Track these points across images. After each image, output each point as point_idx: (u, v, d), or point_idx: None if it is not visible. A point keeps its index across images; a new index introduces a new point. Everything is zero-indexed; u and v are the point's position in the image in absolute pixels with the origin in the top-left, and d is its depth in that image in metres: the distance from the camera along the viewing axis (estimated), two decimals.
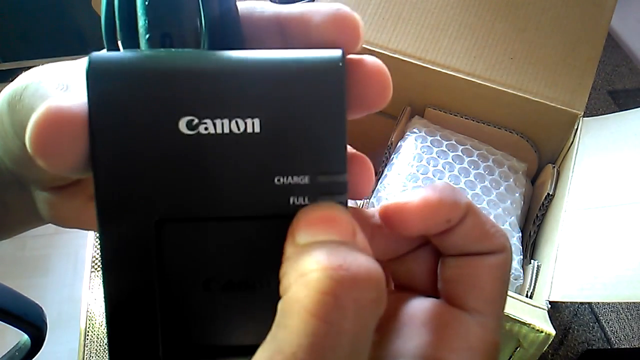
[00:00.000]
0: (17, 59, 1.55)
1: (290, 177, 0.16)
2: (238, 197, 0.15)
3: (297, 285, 0.13)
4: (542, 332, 0.36)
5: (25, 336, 0.51)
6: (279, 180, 0.16)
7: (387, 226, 0.18)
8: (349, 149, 0.17)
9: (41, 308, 0.50)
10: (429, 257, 0.19)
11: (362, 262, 0.14)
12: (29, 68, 0.19)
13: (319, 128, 0.16)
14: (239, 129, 0.15)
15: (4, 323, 0.48)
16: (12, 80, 0.19)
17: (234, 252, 0.16)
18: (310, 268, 0.13)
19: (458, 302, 0.18)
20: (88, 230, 0.21)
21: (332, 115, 0.16)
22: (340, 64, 0.16)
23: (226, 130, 0.15)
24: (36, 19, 1.48)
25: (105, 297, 0.15)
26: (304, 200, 0.16)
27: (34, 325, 0.47)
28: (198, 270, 0.16)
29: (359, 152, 0.18)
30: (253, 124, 0.15)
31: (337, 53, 0.16)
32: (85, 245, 0.57)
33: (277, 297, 0.15)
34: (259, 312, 0.16)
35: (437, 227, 0.17)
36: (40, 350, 0.55)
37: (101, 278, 0.15)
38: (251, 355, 0.15)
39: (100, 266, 0.15)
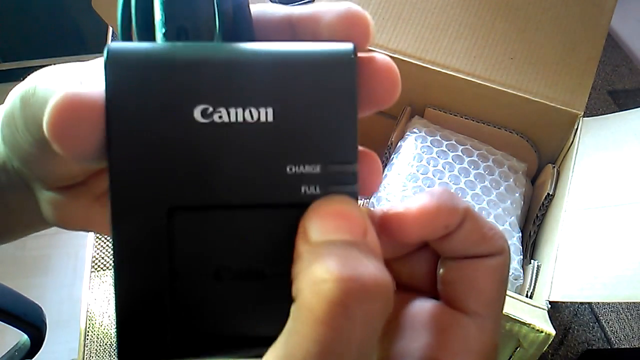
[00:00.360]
0: (17, 59, 1.55)
1: (302, 166, 0.16)
2: (250, 185, 0.16)
3: (309, 292, 0.14)
4: (542, 332, 0.36)
5: (25, 336, 0.51)
6: (290, 169, 0.16)
7: (386, 234, 0.18)
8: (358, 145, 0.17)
9: (41, 308, 0.50)
10: (430, 258, 0.19)
11: (372, 271, 0.14)
12: (29, 68, 0.19)
13: (331, 118, 0.16)
14: (252, 118, 0.15)
15: (3, 323, 0.48)
16: (12, 80, 0.19)
17: (245, 241, 0.16)
18: (322, 277, 0.14)
19: (457, 304, 0.18)
20: (93, 231, 0.21)
21: (344, 106, 0.16)
22: (352, 56, 0.16)
23: (239, 119, 0.15)
24: (36, 19, 1.48)
25: (115, 285, 0.15)
26: (315, 190, 0.16)
27: (33, 325, 0.48)
28: (209, 259, 0.16)
29: (366, 149, 0.18)
30: (266, 113, 0.15)
31: (349, 45, 0.16)
32: (86, 245, 0.57)
33: (288, 288, 0.15)
34: (270, 302, 0.16)
35: (436, 233, 0.18)
36: (40, 350, 0.55)
37: (112, 264, 0.15)
38: (260, 345, 0.15)
39: (112, 258, 0.16)
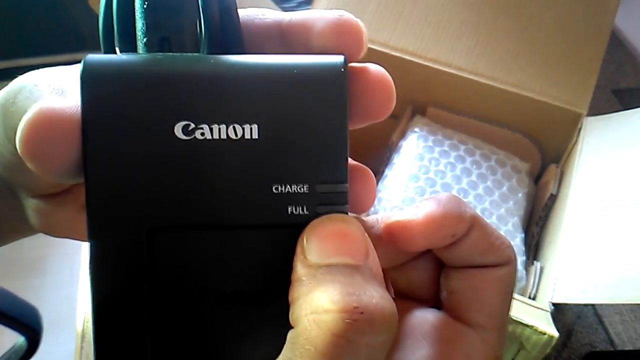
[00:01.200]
0: (13, 58, 1.55)
1: (288, 186, 0.15)
2: (234, 205, 0.15)
3: (309, 322, 0.13)
4: (545, 334, 0.35)
5: (22, 338, 0.51)
6: (276, 188, 0.15)
7: (392, 243, 0.17)
8: (350, 160, 0.16)
9: (37, 310, 0.49)
10: (429, 266, 0.19)
11: (378, 301, 0.13)
12: (25, 66, 0.18)
13: (319, 135, 0.15)
14: (236, 135, 0.15)
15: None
16: (8, 80, 0.18)
17: (229, 263, 0.15)
18: (324, 307, 0.13)
19: (461, 315, 0.18)
20: (79, 240, 0.20)
21: (333, 122, 0.15)
22: (342, 70, 0.15)
23: (223, 136, 0.15)
24: (33, 17, 1.48)
25: (92, 308, 0.15)
26: (302, 210, 0.15)
27: (29, 326, 0.47)
28: (191, 281, 0.15)
29: (360, 164, 0.17)
30: (251, 130, 0.15)
31: (339, 58, 0.15)
32: (82, 246, 0.56)
33: (273, 311, 0.15)
34: (256, 326, 0.15)
35: (442, 242, 0.17)
36: (38, 352, 0.54)
37: (89, 287, 0.15)
38: None
39: (89, 274, 0.15)
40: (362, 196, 0.17)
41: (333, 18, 0.16)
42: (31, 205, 0.20)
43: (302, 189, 0.15)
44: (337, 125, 0.15)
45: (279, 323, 0.14)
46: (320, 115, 0.15)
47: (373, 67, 0.16)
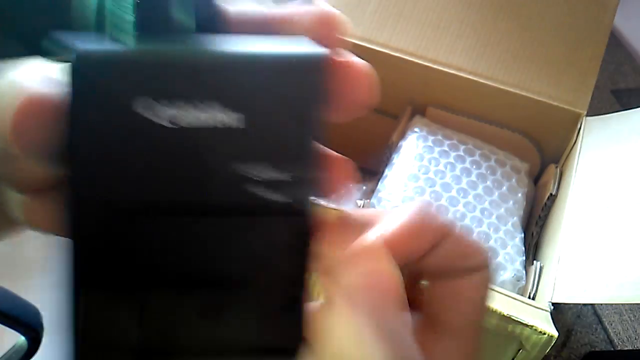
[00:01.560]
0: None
1: (264, 173, 0.16)
2: (214, 192, 0.15)
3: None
4: (544, 333, 0.35)
5: (22, 338, 0.51)
6: (253, 175, 0.16)
7: None
8: (330, 151, 0.17)
9: (38, 310, 0.49)
10: (407, 275, 0.19)
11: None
12: None
13: (296, 124, 0.16)
14: (216, 122, 0.15)
15: (0, 325, 0.48)
16: None
17: (205, 250, 0.16)
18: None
19: (435, 322, 0.18)
20: (64, 237, 0.20)
21: (310, 111, 0.16)
22: (324, 61, 0.16)
23: (205, 124, 0.15)
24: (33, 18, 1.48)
25: (72, 290, 0.15)
26: (279, 197, 0.16)
27: (30, 327, 0.47)
28: (172, 268, 0.16)
29: (337, 154, 0.18)
30: (231, 117, 0.15)
31: (321, 49, 0.16)
32: None
33: (254, 298, 0.15)
34: (237, 313, 0.16)
35: (412, 258, 0.17)
36: (38, 352, 0.54)
37: (67, 269, 0.15)
38: (230, 354, 0.15)
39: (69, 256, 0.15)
40: (338, 185, 0.17)
41: (316, 12, 0.17)
42: (15, 200, 0.20)
43: (277, 176, 0.16)
44: (314, 114, 0.16)
45: (259, 309, 0.15)
46: (300, 105, 0.15)
47: (355, 60, 0.16)
